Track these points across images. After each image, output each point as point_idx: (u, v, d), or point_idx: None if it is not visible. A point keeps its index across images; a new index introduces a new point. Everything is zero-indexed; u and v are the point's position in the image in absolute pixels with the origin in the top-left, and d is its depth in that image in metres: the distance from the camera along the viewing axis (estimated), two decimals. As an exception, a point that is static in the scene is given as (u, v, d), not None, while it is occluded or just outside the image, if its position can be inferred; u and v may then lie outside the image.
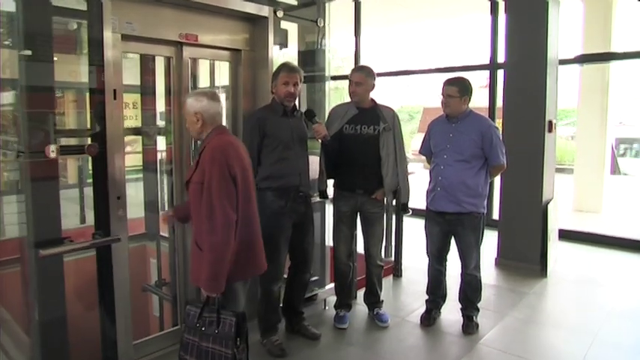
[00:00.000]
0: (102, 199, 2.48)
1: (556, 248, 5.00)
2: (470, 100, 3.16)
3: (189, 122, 2.29)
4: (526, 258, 4.56)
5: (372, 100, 3.30)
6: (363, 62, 7.39)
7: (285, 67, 2.98)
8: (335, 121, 3.25)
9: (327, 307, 3.65)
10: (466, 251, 3.25)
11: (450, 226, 3.24)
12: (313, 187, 3.29)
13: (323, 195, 3.44)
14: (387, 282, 4.29)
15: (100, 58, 2.38)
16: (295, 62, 3.54)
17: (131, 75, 3.29)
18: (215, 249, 2.08)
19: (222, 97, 2.98)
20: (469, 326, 3.32)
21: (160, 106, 3.39)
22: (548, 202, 4.57)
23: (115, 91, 2.48)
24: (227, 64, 3.21)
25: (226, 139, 2.26)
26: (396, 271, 4.40)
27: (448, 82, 3.14)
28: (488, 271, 4.56)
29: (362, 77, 3.19)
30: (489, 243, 5.07)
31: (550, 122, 4.47)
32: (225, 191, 2.11)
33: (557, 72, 4.62)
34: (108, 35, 2.39)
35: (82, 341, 2.62)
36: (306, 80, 3.73)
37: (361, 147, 3.20)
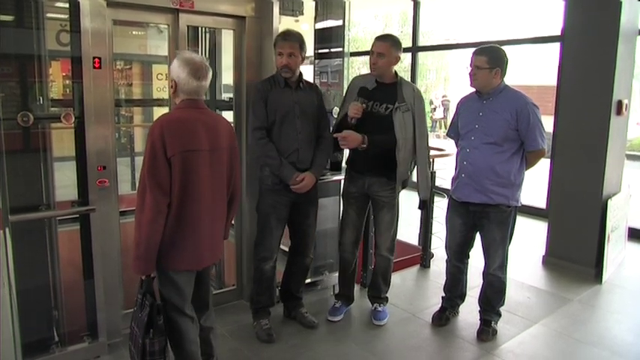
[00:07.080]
0: (81, 169, 2.47)
1: (622, 250, 4.31)
2: (504, 72, 2.69)
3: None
4: (579, 259, 3.95)
5: (395, 74, 2.94)
6: (422, 36, 6.87)
7: (279, 35, 2.73)
8: (352, 94, 2.96)
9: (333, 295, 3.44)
10: (490, 248, 2.86)
11: (475, 218, 2.85)
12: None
13: (335, 167, 3.21)
14: (411, 272, 3.99)
15: (77, 26, 2.33)
16: (311, 36, 3.28)
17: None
18: (142, 230, 1.91)
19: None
20: (484, 332, 2.95)
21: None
22: (612, 196, 3.90)
23: (98, 59, 2.43)
24: (231, 32, 3.04)
25: (178, 114, 2.00)
26: (423, 261, 4.04)
27: (477, 52, 2.70)
28: (531, 270, 4.07)
29: (385, 47, 2.81)
30: (538, 237, 4.51)
31: (620, 103, 3.77)
32: (153, 172, 1.89)
33: (634, 44, 3.87)
34: (85, 3, 2.33)
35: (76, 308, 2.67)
36: (322, 57, 3.46)
37: (373, 126, 2.86)
